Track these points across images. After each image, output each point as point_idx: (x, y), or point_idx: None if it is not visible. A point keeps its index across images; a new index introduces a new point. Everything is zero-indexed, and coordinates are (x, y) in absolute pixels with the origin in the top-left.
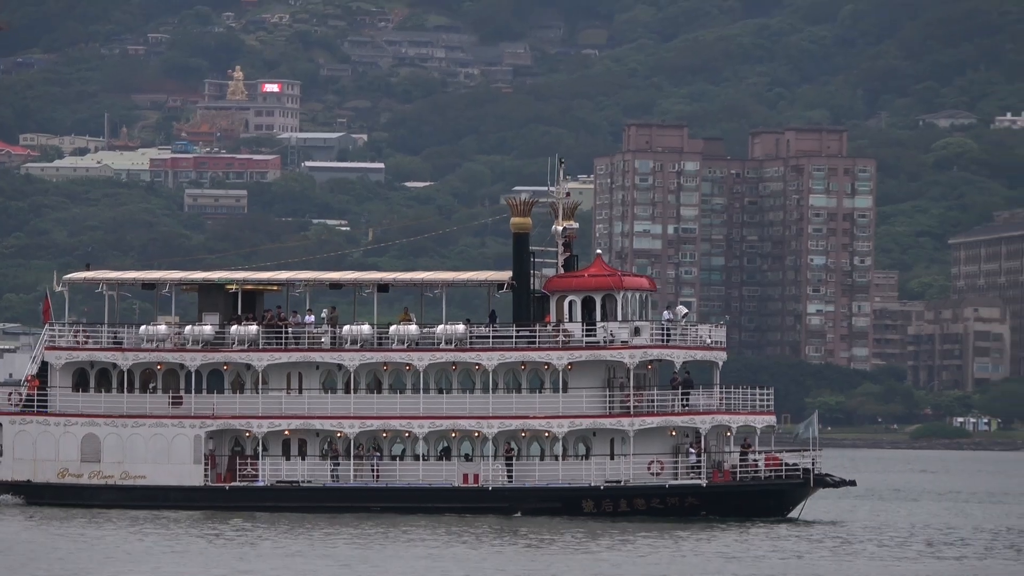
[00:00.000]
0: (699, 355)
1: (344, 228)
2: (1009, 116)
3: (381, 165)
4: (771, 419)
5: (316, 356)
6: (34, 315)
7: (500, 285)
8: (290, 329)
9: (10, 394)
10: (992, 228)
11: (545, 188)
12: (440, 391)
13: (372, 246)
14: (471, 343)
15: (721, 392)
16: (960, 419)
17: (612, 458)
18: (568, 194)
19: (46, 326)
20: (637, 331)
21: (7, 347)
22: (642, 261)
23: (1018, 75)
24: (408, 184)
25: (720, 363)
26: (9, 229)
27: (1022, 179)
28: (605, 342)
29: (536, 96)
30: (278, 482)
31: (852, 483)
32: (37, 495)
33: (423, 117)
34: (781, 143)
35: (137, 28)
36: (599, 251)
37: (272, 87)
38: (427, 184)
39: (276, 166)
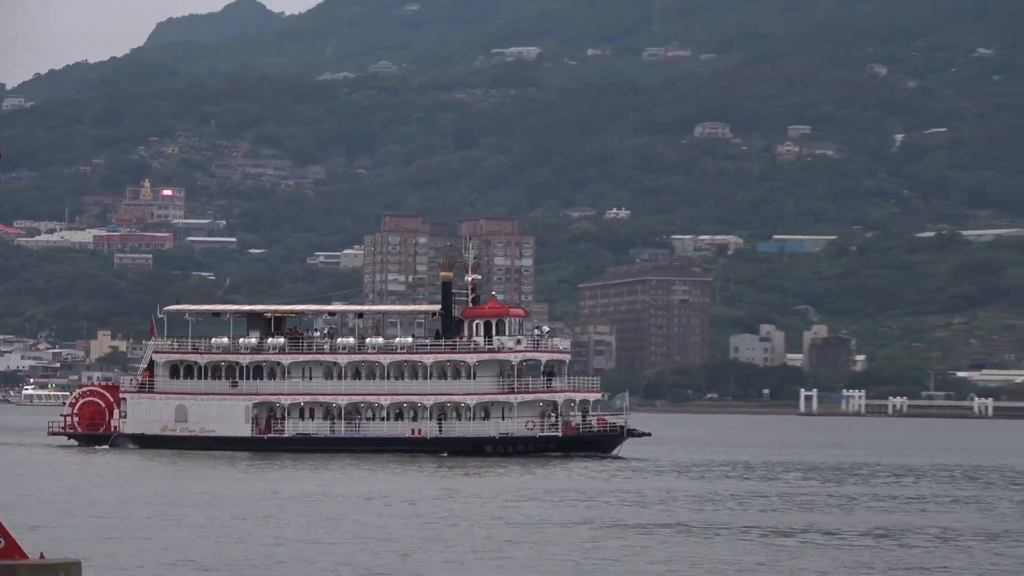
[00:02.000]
0: (556, 356)
1: (212, 278)
2: (615, 211)
3: (234, 239)
4: (598, 395)
5: (320, 357)
6: (22, 330)
7: (433, 313)
8: (304, 340)
9: (131, 380)
10: (604, 278)
11: (335, 253)
12: (397, 378)
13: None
14: (416, 349)
15: (569, 379)
16: None
17: (503, 419)
18: (475, 257)
19: (152, 339)
20: (520, 341)
21: (6, 349)
22: (393, 297)
23: (623, 186)
24: (251, 251)
25: (567, 361)
26: (7, 278)
27: (623, 249)
28: (499, 348)
29: (329, 199)
30: (297, 434)
31: (648, 434)
32: (148, 443)
33: (260, 211)
34: (478, 226)
35: (86, 156)
36: (494, 292)
37: (168, 192)
38: (263, 251)
39: (170, 240)
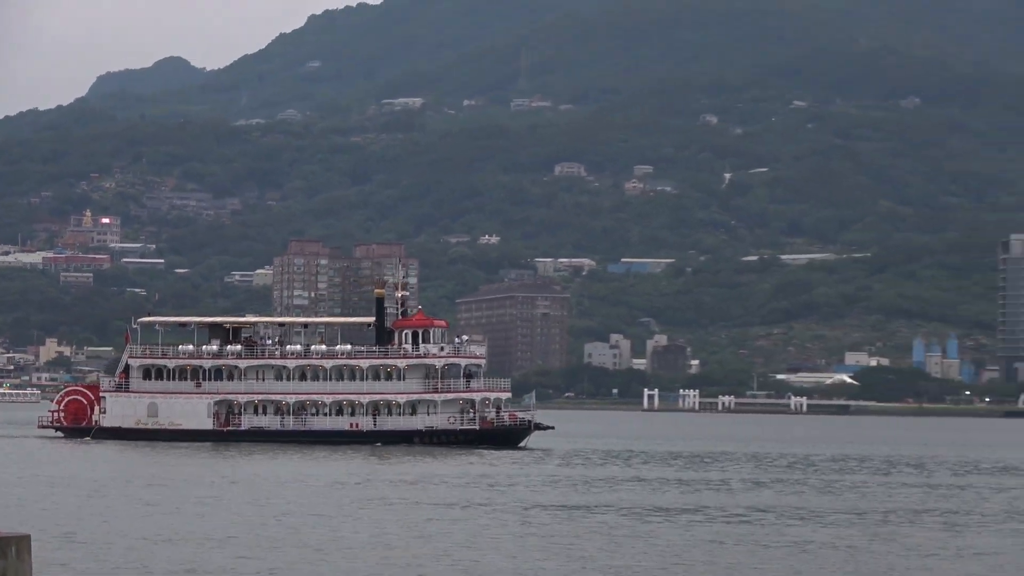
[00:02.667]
0: (473, 361)
1: (143, 294)
2: (487, 237)
3: (163, 260)
4: (509, 394)
5: (272, 361)
6: None
7: (368, 324)
8: (257, 347)
9: (109, 381)
10: (478, 295)
11: (249, 272)
12: (338, 380)
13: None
14: (354, 354)
15: (485, 380)
16: None
17: (429, 415)
18: (405, 275)
19: (128, 345)
20: (443, 348)
21: None
22: (297, 311)
23: (493, 216)
24: (177, 270)
25: (483, 364)
26: None
27: (494, 270)
28: (425, 354)
29: (245, 225)
30: (252, 428)
31: (552, 428)
32: (124, 436)
33: (185, 236)
34: (371, 250)
35: (36, 189)
36: (420, 307)
37: (106, 220)
38: (187, 271)
39: (108, 261)
